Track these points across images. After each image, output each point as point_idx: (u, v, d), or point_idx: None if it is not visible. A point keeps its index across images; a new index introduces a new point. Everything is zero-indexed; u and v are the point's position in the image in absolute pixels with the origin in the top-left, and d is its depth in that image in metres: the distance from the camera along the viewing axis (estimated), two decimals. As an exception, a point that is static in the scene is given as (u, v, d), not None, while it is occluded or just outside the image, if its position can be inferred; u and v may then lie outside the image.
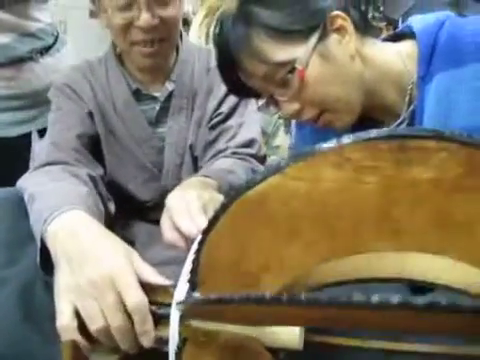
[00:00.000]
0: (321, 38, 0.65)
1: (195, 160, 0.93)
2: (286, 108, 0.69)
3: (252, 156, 0.90)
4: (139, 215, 0.96)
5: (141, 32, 0.81)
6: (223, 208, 0.41)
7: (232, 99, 0.92)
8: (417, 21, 0.72)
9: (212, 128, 0.91)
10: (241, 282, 0.42)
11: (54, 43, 1.37)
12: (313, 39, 0.64)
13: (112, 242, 0.55)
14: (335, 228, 0.39)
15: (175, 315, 0.43)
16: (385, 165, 0.36)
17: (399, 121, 0.72)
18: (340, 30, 0.66)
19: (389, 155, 0.36)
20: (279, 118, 1.75)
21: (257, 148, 0.92)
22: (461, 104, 0.65)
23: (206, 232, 0.42)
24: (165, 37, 0.84)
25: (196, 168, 0.93)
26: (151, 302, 0.49)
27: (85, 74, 0.92)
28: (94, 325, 0.48)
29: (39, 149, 0.85)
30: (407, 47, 0.71)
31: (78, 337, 0.48)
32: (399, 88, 0.70)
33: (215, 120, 0.91)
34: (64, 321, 0.48)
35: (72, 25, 2.48)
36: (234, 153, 0.88)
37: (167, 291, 0.49)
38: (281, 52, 0.65)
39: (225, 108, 0.91)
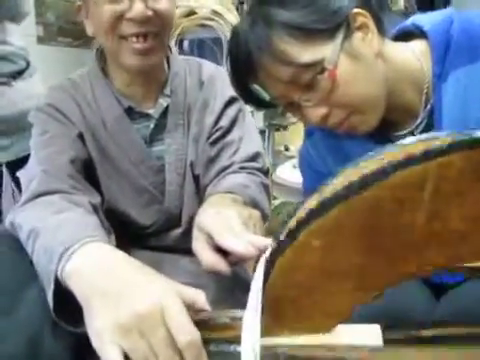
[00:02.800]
0: (346, 36, 0.62)
1: (196, 178, 0.87)
2: (312, 113, 0.65)
3: (258, 170, 0.85)
4: (139, 242, 0.88)
5: (133, 25, 0.74)
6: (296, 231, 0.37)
7: (230, 112, 0.88)
8: (424, 20, 0.71)
9: (213, 144, 0.86)
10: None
11: (26, 68, 1.29)
12: (339, 37, 0.62)
13: (150, 273, 0.51)
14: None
15: (249, 355, 0.37)
16: None
17: (419, 121, 0.70)
18: (362, 28, 0.64)
19: None
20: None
21: (262, 162, 0.87)
22: (477, 98, 0.65)
23: (274, 256, 0.38)
24: (158, 32, 0.77)
25: (198, 187, 0.88)
26: (205, 339, 0.44)
27: (70, 93, 0.84)
28: None
29: (25, 179, 0.76)
30: (419, 46, 0.70)
31: None
32: (416, 87, 0.69)
33: (215, 135, 0.86)
34: None
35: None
36: (241, 168, 0.83)
37: (228, 326, 0.43)
38: (307, 53, 0.61)
39: (224, 122, 0.86)
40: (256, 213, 0.62)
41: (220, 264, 0.56)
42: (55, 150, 0.77)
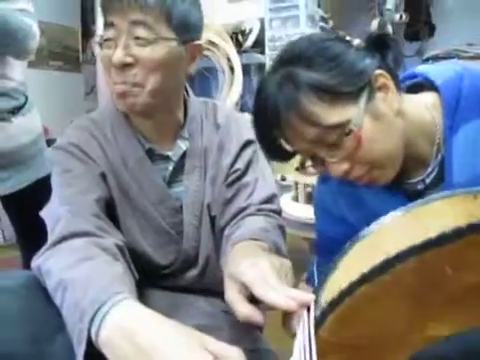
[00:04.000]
0: (369, 97, 0.65)
1: (212, 219, 0.89)
2: (335, 169, 0.68)
3: (274, 212, 0.87)
4: (156, 283, 0.89)
5: (115, 71, 0.76)
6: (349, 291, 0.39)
7: (246, 155, 0.90)
8: (434, 74, 0.75)
9: (229, 186, 0.88)
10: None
11: (25, 103, 1.30)
12: (363, 99, 0.65)
13: (181, 335, 0.52)
14: None
15: None
16: None
17: (430, 170, 0.74)
18: (383, 88, 0.67)
19: None
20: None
21: (277, 203, 0.89)
22: None
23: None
24: (139, 82, 0.76)
25: (213, 228, 0.89)
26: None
27: (91, 132, 0.85)
28: None
29: (50, 220, 0.76)
30: (430, 99, 0.73)
31: None
32: (428, 138, 0.72)
33: (232, 177, 0.88)
34: None
35: None
36: (258, 210, 0.84)
37: None
38: (334, 114, 0.64)
39: (240, 164, 0.88)
40: (286, 263, 0.64)
41: (256, 315, 0.56)
42: (79, 189, 0.78)
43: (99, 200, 0.78)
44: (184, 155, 0.87)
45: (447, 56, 2.55)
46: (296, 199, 1.66)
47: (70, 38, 3.88)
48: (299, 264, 0.84)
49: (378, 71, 0.67)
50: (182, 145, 0.87)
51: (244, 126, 0.93)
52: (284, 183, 2.04)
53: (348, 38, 0.71)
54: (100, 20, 2.66)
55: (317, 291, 0.50)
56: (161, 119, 0.85)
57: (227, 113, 0.94)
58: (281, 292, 0.54)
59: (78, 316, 0.57)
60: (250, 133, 0.93)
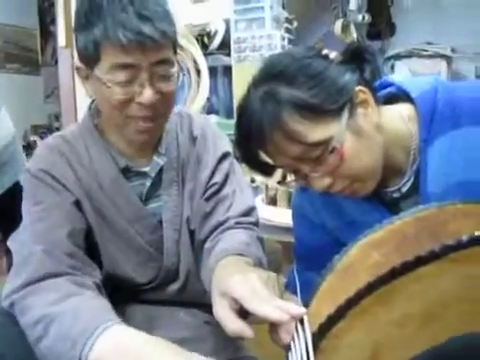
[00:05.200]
0: (351, 114, 0.66)
1: (191, 233, 0.88)
2: (318, 183, 0.69)
3: (253, 224, 0.87)
4: (136, 297, 0.88)
5: (142, 108, 0.75)
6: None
7: (223, 167, 0.90)
8: (410, 86, 0.77)
9: (207, 199, 0.87)
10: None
11: None
12: (345, 116, 0.66)
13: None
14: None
15: None
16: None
17: (405, 179, 0.76)
18: (363, 103, 0.69)
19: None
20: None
21: (255, 215, 0.89)
22: (458, 161, 0.71)
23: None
24: (164, 112, 0.80)
25: (192, 242, 0.88)
26: None
27: (63, 153, 0.83)
28: None
29: (19, 254, 0.75)
30: (406, 110, 0.75)
31: None
32: (404, 149, 0.75)
33: (210, 191, 0.87)
34: None
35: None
36: (238, 223, 0.84)
37: None
38: (316, 132, 0.65)
39: (218, 178, 0.88)
40: (273, 275, 0.64)
41: (246, 331, 0.56)
42: (52, 224, 0.76)
43: (72, 234, 0.77)
44: (161, 170, 0.86)
45: (408, 54, 2.63)
46: (269, 202, 1.67)
47: (28, 39, 3.76)
48: (272, 265, 0.85)
49: (358, 87, 0.68)
50: (159, 160, 0.86)
51: (220, 138, 0.93)
52: (253, 185, 2.04)
53: (326, 51, 0.71)
54: (60, 21, 2.58)
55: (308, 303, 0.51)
56: (152, 139, 0.85)
57: (202, 125, 0.93)
58: (272, 305, 0.54)
59: (69, 345, 0.58)
60: (226, 145, 0.93)
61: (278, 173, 0.79)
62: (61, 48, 2.54)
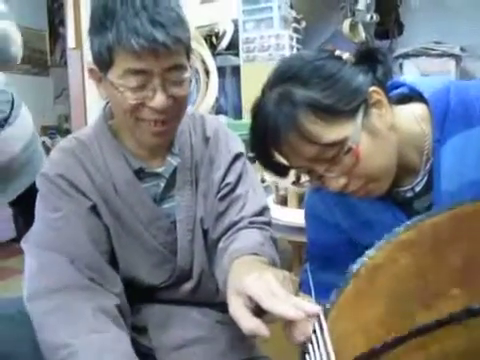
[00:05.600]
0: (365, 114, 0.67)
1: (204, 233, 0.89)
2: (333, 184, 0.70)
3: (266, 224, 0.88)
4: (149, 297, 0.89)
5: (154, 112, 0.76)
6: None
7: (236, 168, 0.91)
8: (423, 86, 0.77)
9: (221, 199, 0.88)
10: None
11: (11, 109, 1.26)
12: (359, 116, 0.67)
13: None
14: None
15: None
16: None
17: (419, 179, 0.76)
18: (377, 104, 0.69)
19: None
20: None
21: (268, 215, 0.90)
22: (471, 160, 0.72)
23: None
24: (176, 116, 0.81)
25: (206, 242, 0.89)
26: None
27: (77, 157, 0.83)
28: None
29: (35, 257, 0.77)
30: (419, 110, 0.76)
31: None
32: (418, 149, 0.75)
33: (223, 191, 0.88)
34: None
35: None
36: (251, 223, 0.85)
37: None
38: (332, 133, 0.65)
39: (232, 178, 0.89)
40: (288, 274, 0.65)
41: (262, 329, 0.57)
42: (72, 233, 0.78)
43: (93, 241, 0.79)
44: (175, 170, 0.87)
45: (416, 53, 2.62)
46: (279, 201, 1.67)
47: (37, 41, 3.79)
48: (282, 265, 0.86)
49: (372, 88, 0.68)
50: (173, 161, 0.87)
51: (232, 138, 0.94)
52: (263, 185, 2.05)
53: (338, 53, 0.72)
54: (70, 23, 2.60)
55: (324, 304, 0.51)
56: (165, 142, 0.86)
57: (215, 126, 0.94)
58: (288, 303, 0.55)
59: None
60: (239, 145, 0.94)
61: (291, 174, 0.79)
62: (70, 50, 2.56)
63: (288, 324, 0.61)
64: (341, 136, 0.65)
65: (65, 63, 3.92)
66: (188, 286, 0.89)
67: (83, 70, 2.51)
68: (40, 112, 3.50)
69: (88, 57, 2.64)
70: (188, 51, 0.79)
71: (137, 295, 0.87)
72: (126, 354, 0.70)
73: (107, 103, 0.89)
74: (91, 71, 0.80)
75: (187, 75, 0.78)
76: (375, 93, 0.69)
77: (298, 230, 1.47)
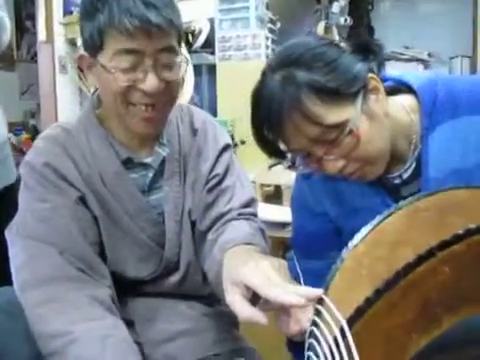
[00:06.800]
0: (364, 99, 0.70)
1: (193, 225, 0.89)
2: (331, 166, 0.71)
3: (254, 215, 0.88)
4: (135, 290, 0.88)
5: (145, 96, 0.75)
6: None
7: (224, 159, 0.91)
8: (411, 79, 0.80)
9: (209, 191, 0.88)
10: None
11: None
12: (359, 100, 0.69)
13: None
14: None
15: None
16: None
17: (407, 166, 0.79)
18: (374, 90, 0.72)
19: None
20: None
21: (255, 206, 0.91)
22: (457, 149, 0.75)
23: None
24: (167, 101, 0.80)
25: (193, 232, 0.89)
26: None
27: (64, 147, 0.81)
28: None
29: (22, 248, 0.75)
30: (408, 101, 0.79)
31: None
32: (406, 138, 0.78)
33: (211, 183, 0.88)
34: None
35: None
36: (239, 214, 0.85)
37: None
38: (333, 115, 0.67)
39: (220, 169, 0.89)
40: (283, 262, 0.66)
41: (259, 317, 0.57)
42: (61, 224, 0.76)
43: (82, 233, 0.77)
44: (163, 161, 0.86)
45: (386, 58, 2.70)
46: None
47: (3, 34, 3.66)
48: None
49: (370, 74, 0.71)
50: (161, 151, 0.86)
51: (220, 131, 0.94)
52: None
53: (337, 42, 0.74)
54: (41, 16, 2.53)
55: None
56: (156, 129, 0.84)
57: (203, 118, 0.94)
58: (287, 290, 0.55)
59: None
60: (226, 137, 0.95)
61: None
62: (41, 43, 2.49)
63: (281, 314, 0.62)
64: (342, 118, 0.67)
65: (32, 58, 3.82)
66: (175, 278, 0.88)
67: (54, 64, 2.45)
68: (5, 108, 3.38)
69: (59, 51, 2.59)
70: (180, 35, 0.78)
71: (123, 288, 0.85)
72: (126, 340, 0.70)
73: (94, 92, 0.87)
74: (81, 58, 0.79)
75: (178, 59, 0.77)
76: (373, 79, 0.71)
77: (276, 225, 1.48)
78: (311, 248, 0.87)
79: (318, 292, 0.52)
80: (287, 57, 0.70)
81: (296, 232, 0.92)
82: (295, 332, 0.61)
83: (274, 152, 0.75)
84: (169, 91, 0.78)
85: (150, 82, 0.74)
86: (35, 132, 3.45)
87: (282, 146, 0.73)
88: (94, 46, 0.74)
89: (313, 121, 0.67)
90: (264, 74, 0.72)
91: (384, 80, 0.84)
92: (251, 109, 0.73)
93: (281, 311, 0.62)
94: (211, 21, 2.35)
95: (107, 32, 0.72)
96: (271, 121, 0.70)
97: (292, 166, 0.76)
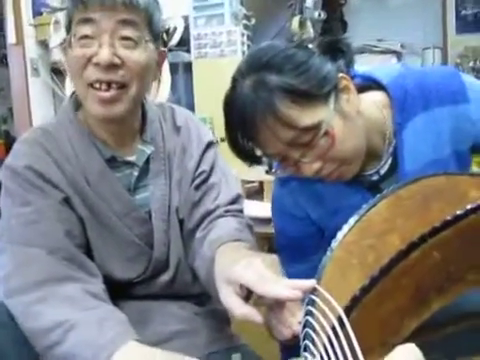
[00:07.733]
0: (336, 99, 0.69)
1: (180, 223, 0.88)
2: (308, 169, 0.71)
3: (240, 211, 0.88)
4: (125, 293, 0.86)
5: (98, 70, 0.73)
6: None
7: (209, 157, 0.90)
8: (378, 74, 0.81)
9: (196, 188, 0.87)
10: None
11: None
12: (331, 101, 0.69)
13: None
14: None
15: None
16: None
17: (383, 162, 0.80)
18: (345, 90, 0.72)
19: None
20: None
21: (242, 203, 0.91)
22: (430, 141, 0.77)
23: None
24: (125, 83, 0.75)
25: (181, 230, 0.88)
26: None
27: (44, 146, 0.79)
28: None
29: (12, 253, 0.73)
30: (379, 97, 0.80)
31: None
32: (380, 134, 0.79)
33: (198, 180, 0.87)
34: None
35: None
36: (226, 211, 0.85)
37: None
38: (307, 117, 0.67)
39: (205, 166, 0.89)
40: (275, 258, 0.66)
41: (255, 315, 0.57)
42: (47, 227, 0.74)
43: (69, 234, 0.76)
44: (148, 159, 0.85)
45: (360, 50, 2.73)
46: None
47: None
48: None
49: (341, 74, 0.71)
50: (145, 148, 0.85)
51: (203, 128, 0.94)
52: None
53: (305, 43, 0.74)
54: (10, 18, 2.47)
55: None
56: (125, 124, 0.83)
57: (185, 115, 0.93)
58: (281, 285, 0.55)
59: (90, 353, 0.61)
60: (209, 135, 0.94)
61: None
62: (11, 45, 2.43)
63: (272, 319, 0.62)
64: (316, 120, 0.67)
65: (1, 61, 3.73)
66: (165, 278, 0.87)
67: (25, 67, 2.40)
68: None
69: (30, 53, 2.54)
70: (149, 19, 0.76)
71: (113, 291, 0.83)
72: (124, 322, 0.69)
73: (73, 93, 0.86)
74: (64, 50, 0.78)
75: (140, 39, 0.75)
76: (344, 79, 0.71)
77: (260, 221, 1.49)
78: (295, 252, 0.87)
79: (312, 283, 0.53)
80: (257, 61, 0.69)
81: (279, 235, 0.92)
82: (288, 336, 0.61)
83: (250, 157, 0.75)
84: (127, 71, 0.74)
85: (102, 54, 0.72)
86: (8, 138, 3.37)
87: (257, 151, 0.73)
88: (68, 32, 0.75)
89: (288, 125, 0.66)
90: (235, 80, 0.71)
91: (353, 77, 0.85)
92: (224, 116, 0.72)
93: (273, 311, 0.62)
94: (186, 19, 2.33)
95: (72, 14, 0.74)
96: (245, 127, 0.69)
97: (269, 171, 0.76)
